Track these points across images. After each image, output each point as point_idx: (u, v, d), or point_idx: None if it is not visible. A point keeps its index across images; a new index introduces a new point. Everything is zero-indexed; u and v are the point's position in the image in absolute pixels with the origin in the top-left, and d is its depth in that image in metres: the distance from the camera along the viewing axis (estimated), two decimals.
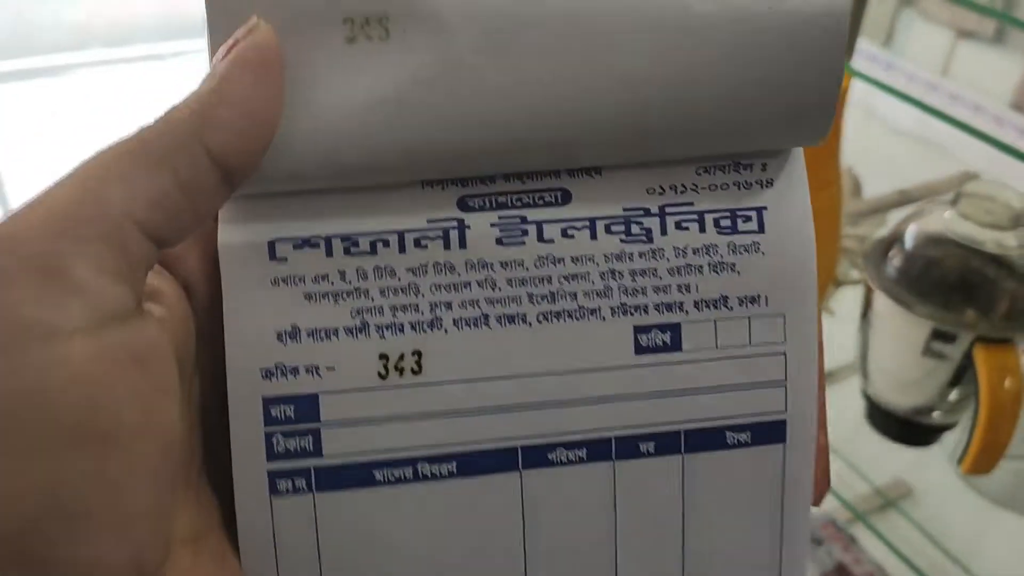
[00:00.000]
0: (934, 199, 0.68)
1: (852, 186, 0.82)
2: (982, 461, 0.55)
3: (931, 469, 0.78)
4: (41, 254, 0.17)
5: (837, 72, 0.21)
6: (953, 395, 0.59)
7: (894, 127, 0.98)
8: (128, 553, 0.17)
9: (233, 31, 0.20)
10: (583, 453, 0.23)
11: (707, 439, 0.23)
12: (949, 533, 0.74)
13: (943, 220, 0.58)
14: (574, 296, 0.22)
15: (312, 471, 0.22)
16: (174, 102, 0.19)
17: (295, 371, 0.22)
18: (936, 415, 0.61)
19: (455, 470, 0.23)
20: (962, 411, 0.60)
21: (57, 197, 0.17)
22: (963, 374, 0.57)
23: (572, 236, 0.22)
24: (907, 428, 0.63)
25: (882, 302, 0.59)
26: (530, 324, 0.22)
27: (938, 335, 0.57)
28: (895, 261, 0.59)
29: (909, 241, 0.59)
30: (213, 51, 0.20)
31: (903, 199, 0.77)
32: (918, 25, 1.05)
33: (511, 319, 0.22)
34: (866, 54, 1.03)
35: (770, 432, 0.24)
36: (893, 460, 0.78)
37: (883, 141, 0.98)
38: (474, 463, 0.23)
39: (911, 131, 0.96)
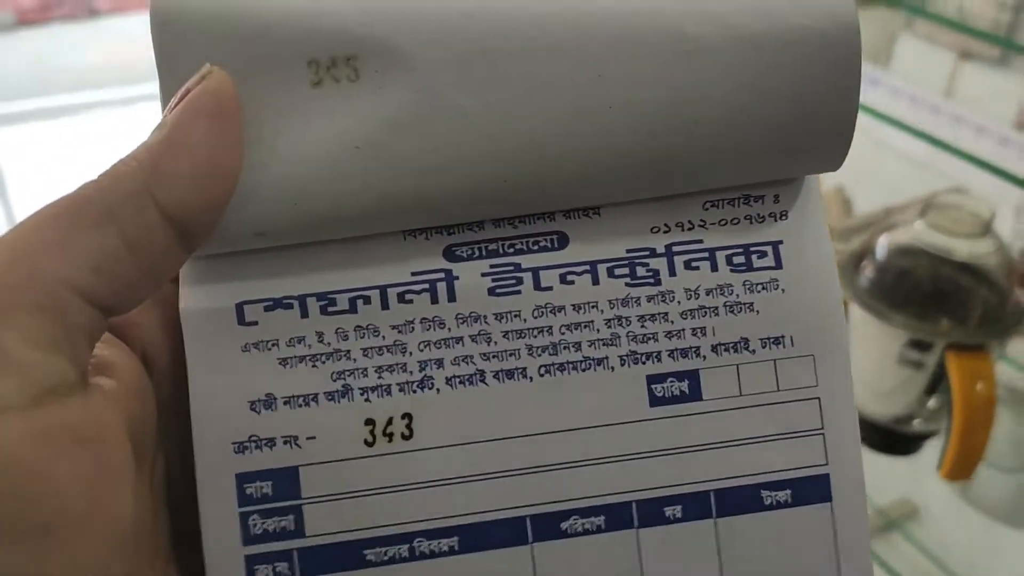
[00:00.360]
0: (904, 210, 0.68)
1: (842, 205, 0.83)
2: (960, 466, 0.55)
3: (927, 487, 0.78)
4: None
5: (852, 91, 0.19)
6: (932, 403, 0.59)
7: (895, 148, 0.99)
8: None
9: (187, 80, 0.18)
10: (601, 521, 0.21)
11: (741, 500, 0.21)
12: (949, 552, 0.73)
13: (913, 231, 0.59)
14: (578, 346, 0.21)
15: (295, 554, 0.20)
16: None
17: (271, 443, 0.20)
18: (917, 423, 0.61)
19: (457, 546, 0.20)
20: (942, 418, 0.61)
21: None
22: (939, 382, 0.57)
23: (572, 282, 0.21)
24: (889, 437, 0.63)
25: (857, 313, 0.60)
26: (531, 379, 0.21)
27: (914, 344, 0.57)
28: (867, 272, 0.59)
29: (881, 252, 0.59)
30: (166, 103, 0.18)
31: (889, 214, 0.77)
32: (920, 47, 1.06)
33: (510, 374, 0.21)
34: (867, 77, 1.05)
35: (813, 489, 0.21)
36: (887, 478, 0.78)
37: (886, 163, 0.99)
38: (478, 537, 0.21)
39: (912, 153, 0.97)
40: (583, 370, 0.21)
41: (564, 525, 0.21)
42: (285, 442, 0.20)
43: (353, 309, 0.20)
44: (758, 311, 0.21)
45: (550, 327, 0.21)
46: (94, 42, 1.74)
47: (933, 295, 0.58)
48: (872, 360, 0.61)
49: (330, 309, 0.20)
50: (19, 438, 0.15)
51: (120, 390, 0.18)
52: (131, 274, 0.17)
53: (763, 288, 0.21)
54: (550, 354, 0.21)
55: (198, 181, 0.17)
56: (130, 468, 0.17)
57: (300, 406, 0.20)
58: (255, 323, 0.20)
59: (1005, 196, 0.71)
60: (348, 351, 0.20)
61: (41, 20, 1.74)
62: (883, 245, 0.61)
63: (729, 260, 0.21)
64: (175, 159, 0.17)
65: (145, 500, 0.19)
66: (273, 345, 0.20)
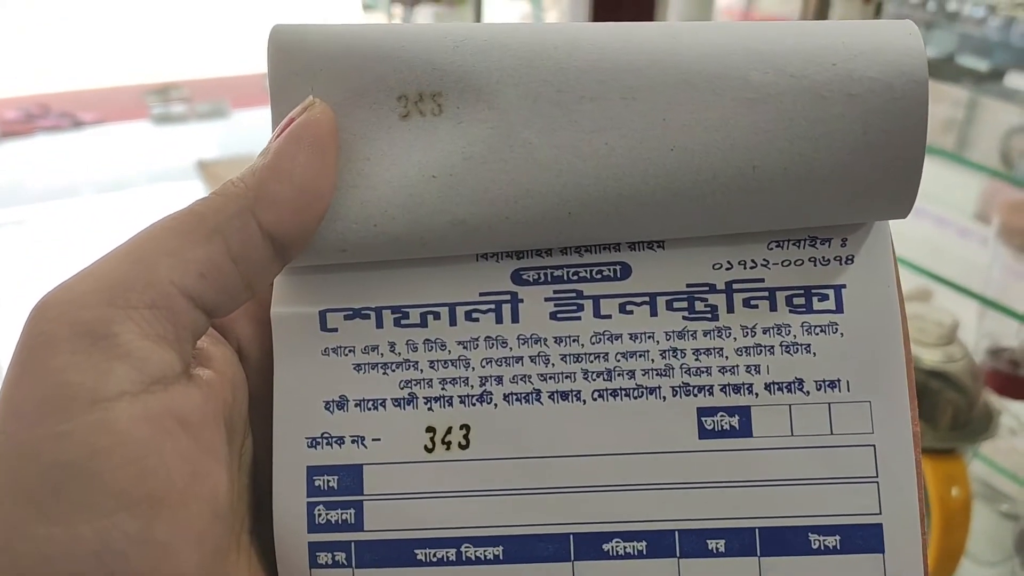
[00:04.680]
0: None
1: None
2: (941, 566, 0.56)
3: None
4: (88, 320, 0.17)
5: (918, 142, 0.19)
6: None
7: None
8: None
9: (293, 108, 0.20)
10: (643, 547, 0.21)
11: (786, 541, 0.21)
12: None
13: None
14: (632, 374, 0.22)
15: (353, 545, 0.21)
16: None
17: (340, 441, 0.22)
18: None
19: (501, 555, 0.21)
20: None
21: (106, 267, 0.18)
22: None
23: (631, 312, 0.22)
24: None
25: None
26: (584, 402, 0.22)
27: None
28: None
29: None
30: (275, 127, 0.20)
31: None
32: None
33: (564, 396, 0.22)
34: None
35: (864, 538, 0.21)
36: None
37: None
38: (522, 550, 0.21)
39: None
40: (635, 397, 0.22)
41: (606, 546, 0.21)
42: (353, 441, 0.22)
43: (424, 323, 0.22)
44: (815, 353, 0.21)
45: (606, 353, 0.22)
46: (78, 152, 1.76)
47: None
48: None
49: (403, 322, 0.22)
50: (131, 419, 0.17)
51: (218, 380, 0.20)
52: (232, 282, 0.19)
53: (821, 331, 0.21)
54: (604, 379, 0.22)
55: (295, 204, 0.19)
56: (224, 450, 0.19)
57: (369, 409, 0.22)
58: (335, 330, 0.22)
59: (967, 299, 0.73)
60: (416, 362, 0.22)
61: (25, 132, 1.77)
62: None
63: (789, 300, 0.22)
64: (277, 183, 0.19)
65: (235, 479, 0.20)
66: (349, 351, 0.22)
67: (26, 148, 1.78)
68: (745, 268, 0.22)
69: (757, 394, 0.21)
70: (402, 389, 0.22)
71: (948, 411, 0.60)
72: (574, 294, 0.22)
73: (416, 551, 0.21)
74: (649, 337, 0.22)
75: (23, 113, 1.82)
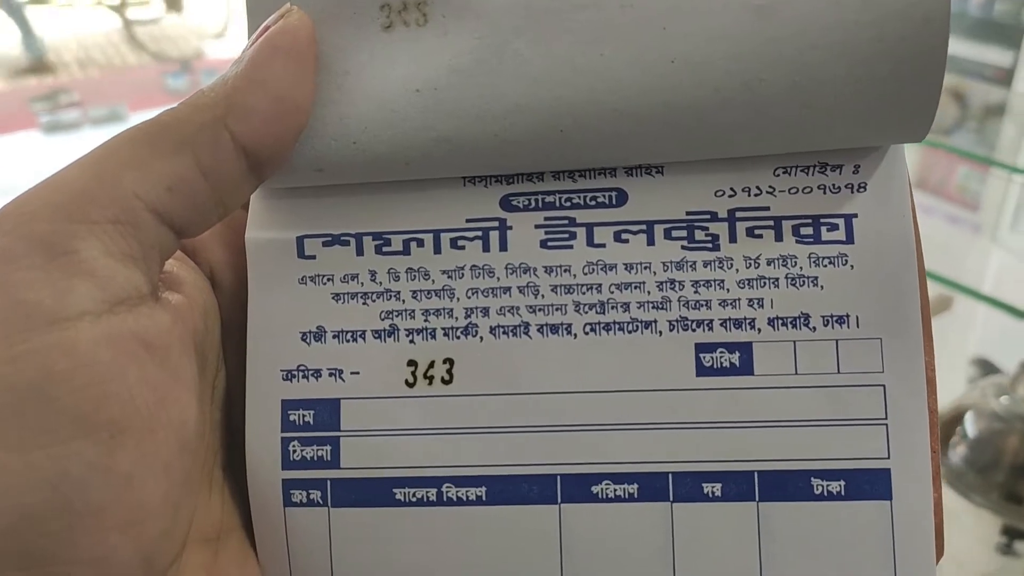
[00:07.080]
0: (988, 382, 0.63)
1: None
2: None
3: None
4: (47, 234, 0.16)
5: (938, 51, 0.18)
6: None
7: None
8: (136, 550, 0.16)
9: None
10: (634, 489, 0.20)
11: (787, 485, 0.20)
12: None
13: (1002, 404, 0.54)
14: (626, 307, 0.20)
15: (328, 483, 0.20)
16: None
17: (317, 374, 0.21)
18: None
19: (484, 496, 0.20)
20: None
21: (67, 179, 0.16)
22: None
23: (626, 241, 0.20)
24: None
25: (946, 495, 0.54)
26: (575, 336, 0.20)
27: (1007, 531, 0.52)
28: (959, 449, 0.54)
29: (971, 427, 0.54)
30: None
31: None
32: None
33: (554, 329, 0.20)
34: None
35: (870, 483, 0.19)
36: None
37: None
38: (506, 490, 0.20)
39: None
40: (630, 332, 0.20)
41: (595, 488, 0.20)
42: (330, 374, 0.21)
43: (406, 251, 0.21)
44: (822, 286, 0.20)
45: (599, 285, 0.20)
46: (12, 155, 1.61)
47: None
48: (965, 546, 0.55)
49: (384, 249, 0.21)
50: (93, 340, 0.15)
51: (187, 305, 0.18)
52: (203, 198, 0.18)
53: (830, 263, 0.20)
54: (597, 312, 0.20)
55: (270, 114, 0.18)
56: (194, 378, 0.18)
57: (348, 341, 0.21)
58: (313, 257, 0.21)
59: None
60: (398, 292, 0.21)
61: None
62: (972, 418, 0.55)
63: (796, 230, 0.20)
64: (250, 93, 0.18)
65: (207, 410, 0.19)
66: (328, 280, 0.21)
67: None
68: (749, 195, 0.20)
69: (760, 329, 0.20)
70: (383, 320, 0.21)
71: None
72: (566, 221, 0.21)
73: (395, 490, 0.20)
74: (645, 268, 0.20)
75: None
